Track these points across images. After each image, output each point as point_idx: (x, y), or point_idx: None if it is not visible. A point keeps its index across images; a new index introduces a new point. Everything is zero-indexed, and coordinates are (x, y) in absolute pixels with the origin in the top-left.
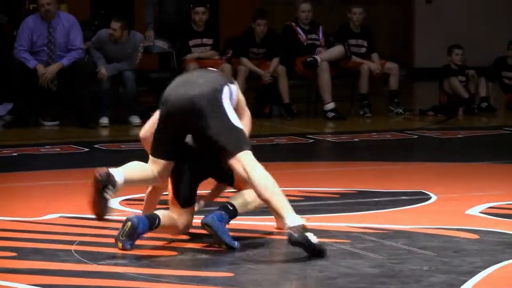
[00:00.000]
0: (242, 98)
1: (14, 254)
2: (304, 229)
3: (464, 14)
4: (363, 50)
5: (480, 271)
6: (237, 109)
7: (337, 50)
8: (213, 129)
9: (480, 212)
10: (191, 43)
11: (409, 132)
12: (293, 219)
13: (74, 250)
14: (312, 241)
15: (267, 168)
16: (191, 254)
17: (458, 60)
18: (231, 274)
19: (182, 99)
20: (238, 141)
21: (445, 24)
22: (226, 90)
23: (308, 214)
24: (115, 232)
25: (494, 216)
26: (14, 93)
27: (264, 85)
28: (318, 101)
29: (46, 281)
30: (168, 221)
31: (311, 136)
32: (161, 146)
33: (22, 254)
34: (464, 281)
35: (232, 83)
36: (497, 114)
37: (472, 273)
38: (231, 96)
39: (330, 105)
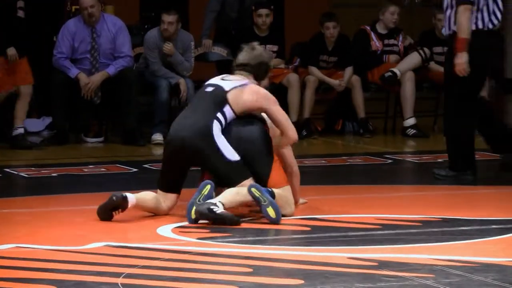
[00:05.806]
0: (252, 99)
1: (54, 287)
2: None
3: None
4: None
5: None
6: (251, 111)
7: (416, 58)
8: (209, 166)
9: None
10: None
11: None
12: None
13: (120, 283)
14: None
15: (339, 191)
16: None
17: None
18: None
19: (176, 141)
20: (231, 176)
21: None
22: (216, 122)
23: (385, 245)
24: (165, 264)
25: None
26: (53, 106)
27: (336, 98)
28: (397, 116)
29: None
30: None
31: (389, 156)
32: (167, 179)
33: (63, 287)
34: None
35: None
36: None
37: None
38: (226, 119)
39: (411, 121)
